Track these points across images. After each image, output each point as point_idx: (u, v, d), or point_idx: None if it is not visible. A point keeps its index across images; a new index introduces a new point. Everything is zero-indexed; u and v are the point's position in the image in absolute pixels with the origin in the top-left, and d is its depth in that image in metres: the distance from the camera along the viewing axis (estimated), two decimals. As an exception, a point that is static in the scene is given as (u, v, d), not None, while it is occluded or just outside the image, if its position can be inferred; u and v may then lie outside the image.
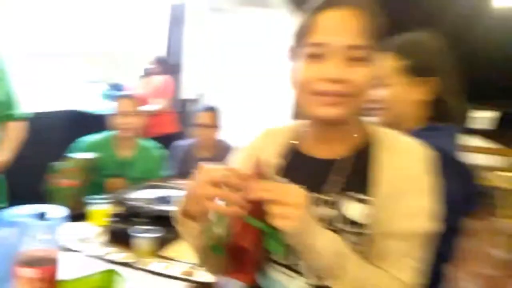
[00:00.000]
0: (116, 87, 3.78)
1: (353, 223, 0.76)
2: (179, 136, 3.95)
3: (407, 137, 0.82)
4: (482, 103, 6.39)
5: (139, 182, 2.15)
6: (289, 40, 0.82)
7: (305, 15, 0.78)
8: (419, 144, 0.80)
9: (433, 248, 0.80)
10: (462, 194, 0.97)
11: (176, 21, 5.08)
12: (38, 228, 0.89)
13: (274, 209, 0.66)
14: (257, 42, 7.31)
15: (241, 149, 0.95)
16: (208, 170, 0.72)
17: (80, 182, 1.89)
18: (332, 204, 0.78)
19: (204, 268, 0.87)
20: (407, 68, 1.06)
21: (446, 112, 1.07)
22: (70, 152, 2.16)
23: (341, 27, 0.74)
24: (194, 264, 1.40)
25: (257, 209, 0.68)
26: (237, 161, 0.92)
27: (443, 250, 0.98)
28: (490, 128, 6.05)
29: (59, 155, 2.16)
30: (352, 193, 0.78)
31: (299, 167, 0.84)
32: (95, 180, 2.09)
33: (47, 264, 0.90)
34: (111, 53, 4.29)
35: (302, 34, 0.78)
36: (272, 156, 0.87)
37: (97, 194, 1.93)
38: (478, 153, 5.90)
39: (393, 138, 0.82)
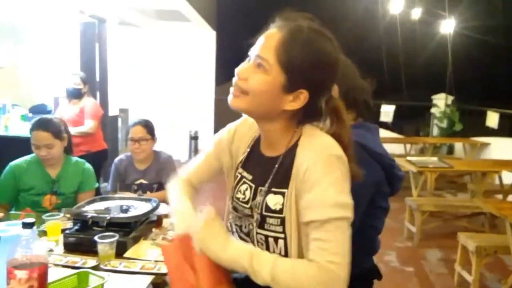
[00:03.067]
0: (38, 108, 3.72)
1: (273, 211, 0.97)
2: (107, 152, 4.01)
3: (323, 137, 0.96)
4: (383, 99, 7.23)
5: (73, 196, 2.30)
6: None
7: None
8: (329, 144, 0.93)
9: (349, 231, 0.90)
10: (385, 180, 1.24)
11: (88, 38, 5.02)
12: (29, 236, 1.06)
13: None
14: (176, 54, 7.45)
15: (228, 127, 1.17)
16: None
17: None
18: (263, 195, 1.00)
19: None
20: None
21: (357, 106, 1.35)
22: (3, 176, 2.23)
23: (262, 42, 0.95)
24: (149, 260, 1.61)
25: None
26: (221, 134, 1.16)
27: (377, 224, 1.29)
28: (388, 121, 6.85)
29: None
30: (274, 188, 0.98)
31: (254, 161, 1.07)
32: (32, 199, 2.20)
33: (38, 265, 1.07)
34: (25, 75, 4.20)
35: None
36: (244, 144, 1.10)
37: (36, 210, 2.11)
38: (387, 143, 6.67)
39: (311, 139, 0.96)
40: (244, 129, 1.13)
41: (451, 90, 8.67)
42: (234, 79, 0.97)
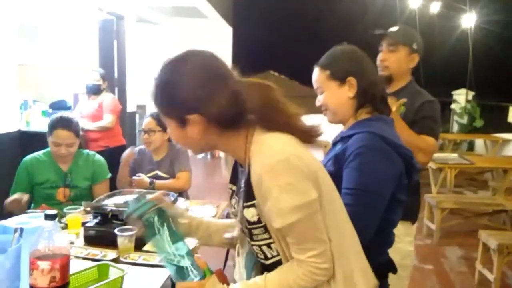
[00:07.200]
0: (58, 104, 3.78)
1: (253, 223, 0.97)
2: (125, 148, 4.05)
3: (268, 142, 0.93)
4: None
5: (87, 188, 2.35)
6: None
7: None
8: (273, 149, 0.91)
9: (318, 212, 0.91)
10: (403, 171, 1.22)
11: (107, 35, 5.07)
12: (52, 227, 1.07)
13: None
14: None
15: None
16: None
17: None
18: (241, 210, 0.99)
19: None
20: (329, 76, 1.33)
21: (375, 101, 1.32)
22: (18, 171, 2.29)
23: None
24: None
25: None
26: None
27: (394, 218, 1.25)
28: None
29: (11, 174, 2.32)
30: (245, 203, 0.97)
31: (238, 173, 1.05)
32: (46, 192, 2.25)
33: (60, 257, 1.09)
34: (46, 71, 4.27)
35: None
36: (231, 159, 1.10)
37: (48, 203, 2.18)
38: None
39: (258, 146, 0.93)
40: None
41: (472, 85, 8.50)
42: None
